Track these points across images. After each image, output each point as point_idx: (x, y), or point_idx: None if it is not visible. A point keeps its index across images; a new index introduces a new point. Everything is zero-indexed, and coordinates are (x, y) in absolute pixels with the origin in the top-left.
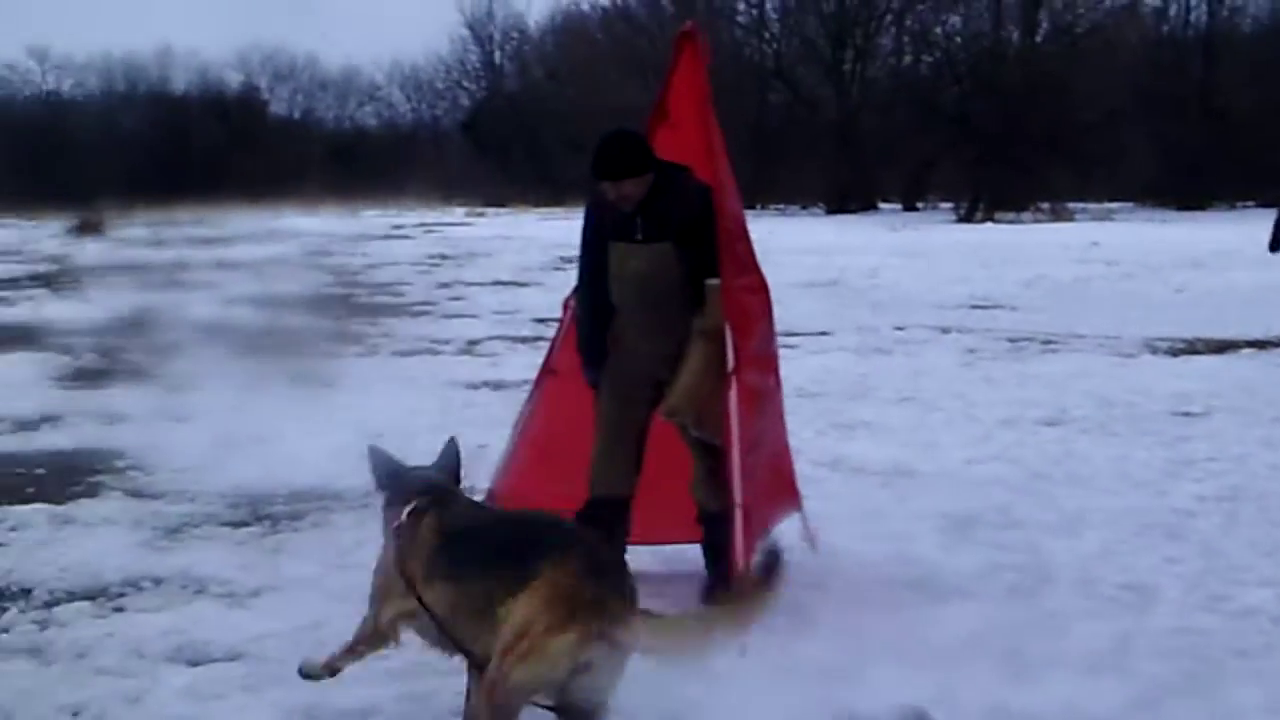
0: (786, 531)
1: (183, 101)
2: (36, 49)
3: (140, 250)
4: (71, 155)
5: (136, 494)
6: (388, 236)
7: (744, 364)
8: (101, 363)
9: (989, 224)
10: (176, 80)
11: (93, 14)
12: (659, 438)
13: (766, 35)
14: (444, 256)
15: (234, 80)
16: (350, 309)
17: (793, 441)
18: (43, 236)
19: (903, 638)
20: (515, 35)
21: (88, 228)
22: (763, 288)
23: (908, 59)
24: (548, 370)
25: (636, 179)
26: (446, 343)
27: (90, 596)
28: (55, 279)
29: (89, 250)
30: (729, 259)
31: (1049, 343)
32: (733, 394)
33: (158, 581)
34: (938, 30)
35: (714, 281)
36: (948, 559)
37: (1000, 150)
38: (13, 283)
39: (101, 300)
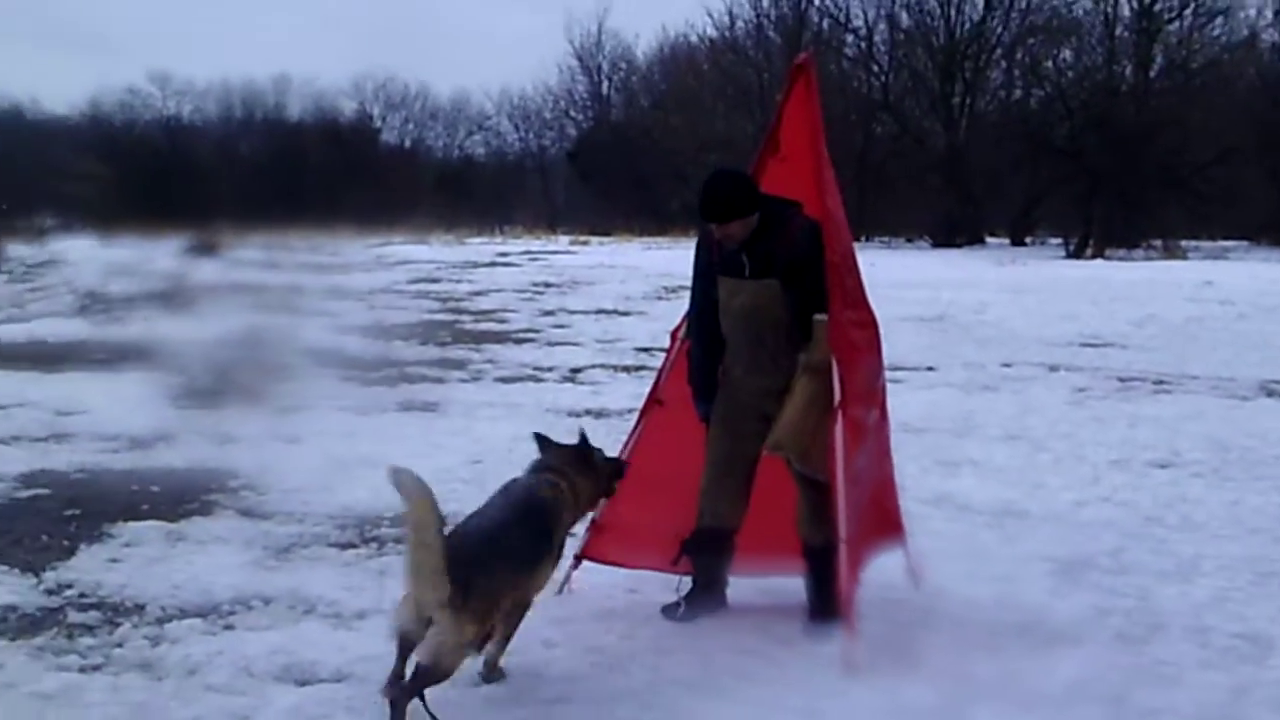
0: (891, 568)
1: (298, 128)
2: (158, 74)
3: (254, 273)
4: (190, 178)
5: (248, 513)
6: (493, 264)
7: (850, 398)
8: (215, 383)
9: (1099, 260)
10: (292, 107)
11: (213, 41)
12: (767, 471)
13: (875, 68)
14: (548, 284)
15: (348, 108)
16: (456, 335)
17: (898, 477)
18: (159, 256)
19: (1007, 682)
20: (623, 66)
21: (203, 249)
22: (872, 323)
23: (1017, 93)
24: (654, 400)
25: (742, 220)
26: (550, 370)
27: (201, 614)
28: (170, 298)
29: (204, 271)
30: (837, 293)
31: (1160, 383)
32: (839, 428)
33: (267, 601)
34: (1049, 64)
35: (820, 317)
36: (1055, 603)
37: (1112, 186)
38: (128, 301)
39: (216, 321)
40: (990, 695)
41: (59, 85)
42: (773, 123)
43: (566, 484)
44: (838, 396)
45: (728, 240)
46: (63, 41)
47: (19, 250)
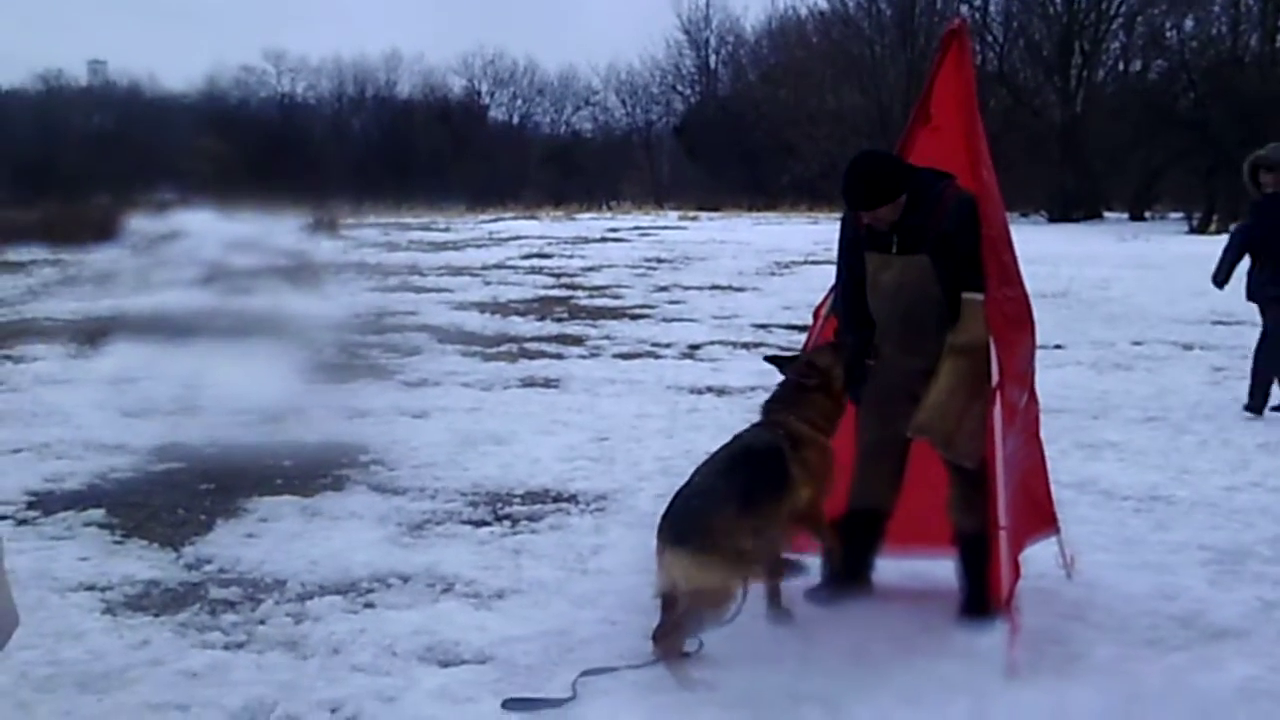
0: (1042, 557)
1: (408, 105)
2: (272, 52)
3: (373, 250)
4: (304, 155)
5: (380, 489)
6: (603, 239)
7: (1007, 380)
8: (341, 358)
9: (1224, 236)
10: (402, 84)
11: (326, 19)
12: (920, 450)
13: (989, 39)
14: (660, 260)
15: (456, 85)
16: (571, 311)
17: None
18: (280, 232)
19: (1174, 683)
20: (730, 39)
21: (322, 226)
22: (1025, 300)
23: (1137, 64)
24: None
25: (889, 205)
26: (668, 346)
27: (341, 591)
28: (294, 274)
29: (324, 248)
30: (994, 269)
31: None
32: (996, 410)
33: (405, 579)
34: (1170, 34)
35: (970, 296)
36: (1216, 595)
37: (1236, 159)
38: (254, 275)
39: (339, 297)
40: (1158, 699)
41: (176, 62)
42: (923, 92)
43: (789, 417)
44: (995, 377)
45: (876, 223)
46: (179, 19)
47: (140, 224)
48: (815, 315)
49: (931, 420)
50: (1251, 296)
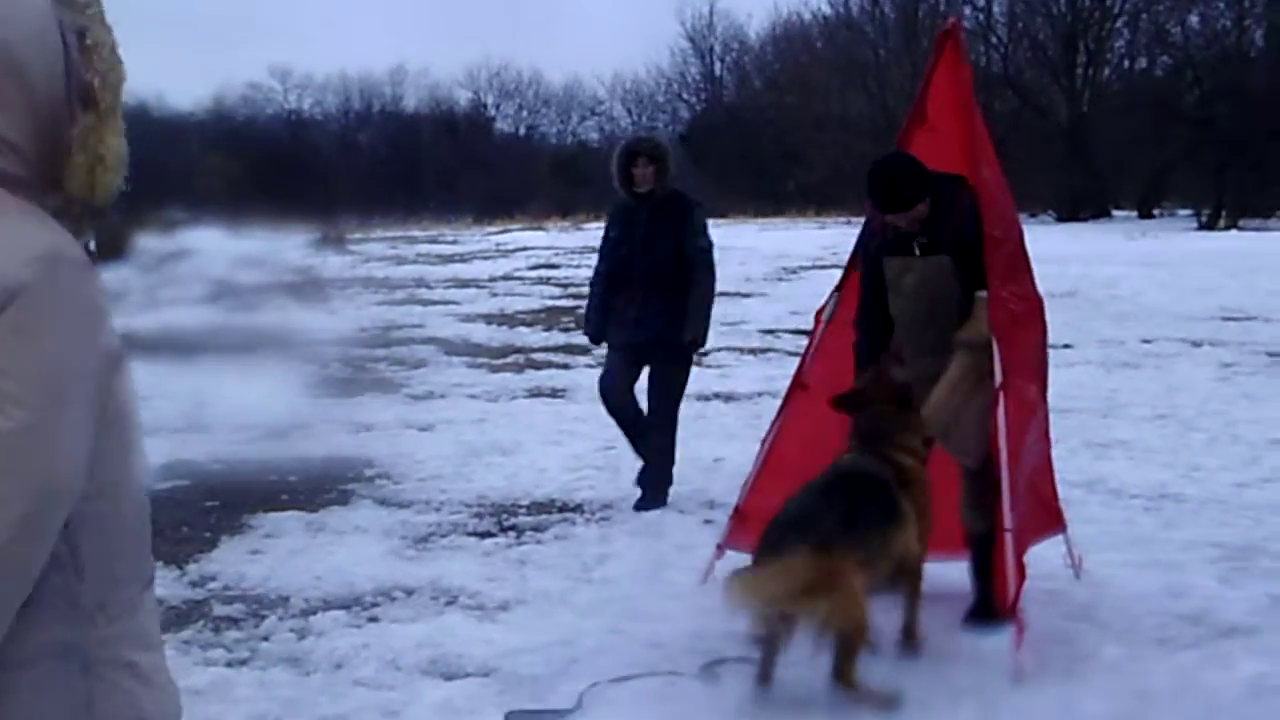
0: (1049, 557)
1: (414, 119)
2: (279, 68)
3: (380, 265)
4: (312, 171)
5: (385, 502)
6: None
7: (1012, 375)
8: (347, 372)
9: (1233, 232)
10: (409, 99)
11: (331, 35)
12: (940, 452)
13: (994, 40)
14: None
15: (462, 98)
16: (578, 320)
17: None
18: (286, 248)
19: (1184, 684)
20: (735, 46)
21: (329, 241)
22: (1035, 297)
23: (1142, 61)
24: (798, 384)
25: (923, 204)
26: None
27: (345, 606)
28: (301, 290)
29: (331, 263)
30: (996, 267)
31: None
32: (1001, 409)
33: (409, 592)
34: (1175, 30)
35: (983, 294)
36: (1226, 593)
37: (1245, 154)
38: (261, 291)
39: (345, 312)
40: (1168, 701)
41: (183, 82)
42: (919, 93)
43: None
44: (998, 376)
45: (911, 225)
46: (185, 38)
47: (149, 242)
48: (816, 319)
49: (933, 413)
50: None
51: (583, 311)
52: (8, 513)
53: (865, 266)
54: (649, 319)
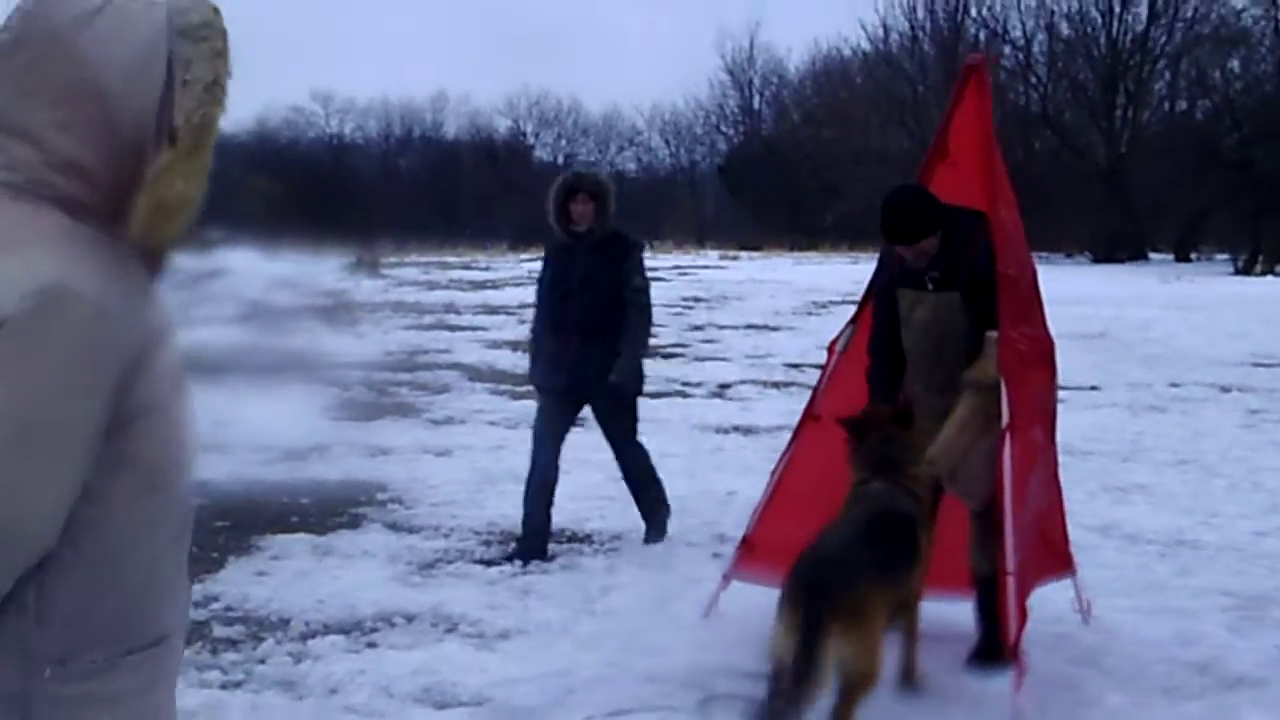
0: (1058, 600)
1: (454, 146)
2: (321, 93)
3: (411, 289)
4: (351, 195)
5: (395, 527)
6: None
7: (1019, 418)
8: (370, 396)
9: (1270, 277)
10: (449, 125)
11: (374, 61)
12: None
13: (1033, 79)
14: (697, 299)
15: (502, 125)
16: None
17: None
18: (320, 271)
19: None
20: (774, 80)
21: (363, 264)
22: (1046, 339)
23: (1182, 104)
24: (810, 416)
25: (934, 237)
26: (698, 385)
27: (344, 630)
28: (331, 313)
29: (364, 287)
30: (1008, 307)
31: None
32: (1007, 450)
33: (410, 618)
34: (1215, 74)
35: (993, 334)
36: (1236, 642)
37: None
38: (291, 313)
39: (373, 336)
40: None
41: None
42: (941, 127)
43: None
44: (1005, 417)
45: (919, 258)
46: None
47: (184, 261)
48: (830, 350)
49: (939, 454)
50: None
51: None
52: None
53: (879, 297)
54: (587, 364)
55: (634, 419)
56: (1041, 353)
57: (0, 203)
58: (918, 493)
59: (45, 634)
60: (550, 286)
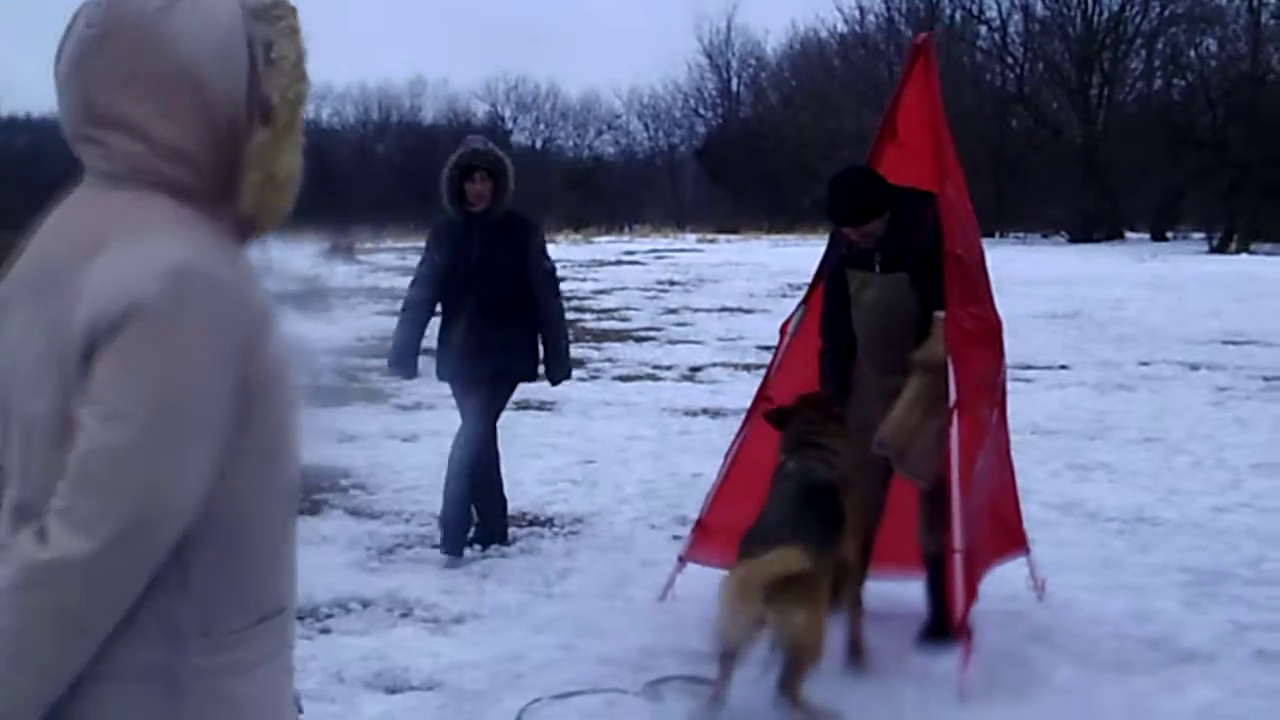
0: (1012, 578)
1: (431, 131)
2: None
3: (386, 275)
4: (329, 181)
5: (356, 513)
6: (619, 262)
7: (966, 397)
8: (340, 382)
9: (1244, 255)
10: (426, 110)
11: (351, 46)
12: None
13: (1009, 60)
14: (673, 282)
15: (480, 110)
16: (577, 334)
17: (1024, 482)
18: (295, 257)
19: (1133, 706)
20: (752, 63)
21: (339, 250)
22: (992, 319)
23: (1158, 83)
24: (763, 398)
25: (879, 219)
26: (669, 369)
27: (299, 617)
28: (304, 299)
29: (338, 273)
30: (955, 285)
31: None
32: (955, 430)
33: (365, 604)
34: (1190, 54)
35: (941, 314)
36: (1190, 617)
37: (1258, 178)
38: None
39: (345, 321)
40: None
41: None
42: (889, 107)
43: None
44: (953, 396)
45: (865, 240)
46: None
47: None
48: (781, 332)
49: (888, 434)
50: None
51: (583, 323)
52: (99, 529)
53: (829, 278)
54: (488, 350)
55: (500, 411)
56: (989, 331)
57: (105, 192)
58: (834, 463)
59: (189, 607)
60: (444, 270)
